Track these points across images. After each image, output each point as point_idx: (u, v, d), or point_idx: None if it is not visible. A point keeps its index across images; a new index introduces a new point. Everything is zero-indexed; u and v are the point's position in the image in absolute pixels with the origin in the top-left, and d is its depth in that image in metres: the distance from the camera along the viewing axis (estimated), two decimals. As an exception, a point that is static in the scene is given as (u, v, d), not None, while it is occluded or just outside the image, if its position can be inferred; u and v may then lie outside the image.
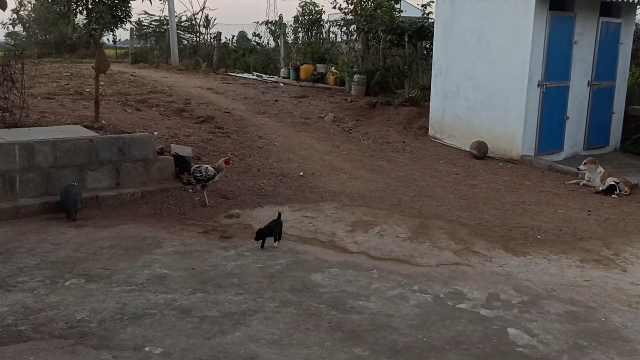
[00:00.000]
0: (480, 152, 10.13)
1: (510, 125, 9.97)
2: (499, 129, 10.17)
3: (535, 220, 7.07)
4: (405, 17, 15.68)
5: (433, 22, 11.93)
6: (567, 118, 10.40)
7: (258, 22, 23.44)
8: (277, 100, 13.94)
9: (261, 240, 5.88)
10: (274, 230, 5.98)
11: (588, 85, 10.61)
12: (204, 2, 34.59)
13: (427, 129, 11.61)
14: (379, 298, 4.89)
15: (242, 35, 26.54)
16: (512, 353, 4.08)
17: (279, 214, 6.25)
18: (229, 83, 16.47)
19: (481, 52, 10.33)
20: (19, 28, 33.57)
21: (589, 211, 7.53)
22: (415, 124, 12.02)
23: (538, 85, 9.75)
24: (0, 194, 6.59)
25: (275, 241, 5.97)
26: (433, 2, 14.00)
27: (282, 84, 16.83)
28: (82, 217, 6.55)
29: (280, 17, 22.81)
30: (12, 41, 30.58)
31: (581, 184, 8.70)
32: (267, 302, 4.72)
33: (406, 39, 14.35)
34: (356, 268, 5.54)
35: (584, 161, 8.79)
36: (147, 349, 3.92)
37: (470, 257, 5.89)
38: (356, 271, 5.47)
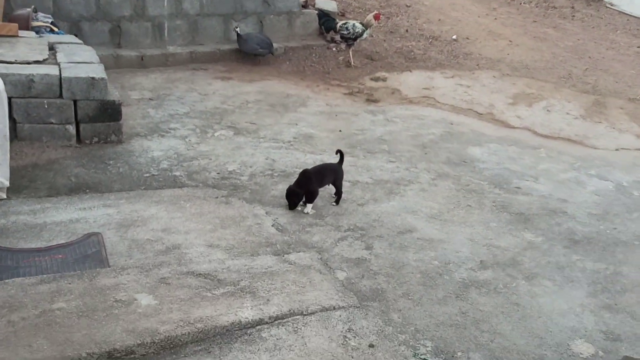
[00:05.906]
0: (671, 22, 8.52)
1: None
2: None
3: None
4: None
5: None
6: None
7: None
8: (425, -44, 12.58)
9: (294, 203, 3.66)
10: (312, 183, 3.60)
11: None
12: None
13: (603, -7, 9.94)
14: (549, 180, 4.32)
15: None
16: None
17: (341, 156, 3.84)
18: (372, -64, 15.11)
19: None
20: None
21: None
22: (588, -13, 10.33)
23: None
24: (150, 40, 6.55)
25: (304, 204, 3.64)
26: None
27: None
28: (227, 70, 6.41)
29: None
30: None
31: None
32: (421, 173, 4.33)
33: None
34: (519, 145, 4.95)
35: None
36: (300, 210, 3.74)
37: (660, 143, 5.04)
38: (520, 148, 4.88)
